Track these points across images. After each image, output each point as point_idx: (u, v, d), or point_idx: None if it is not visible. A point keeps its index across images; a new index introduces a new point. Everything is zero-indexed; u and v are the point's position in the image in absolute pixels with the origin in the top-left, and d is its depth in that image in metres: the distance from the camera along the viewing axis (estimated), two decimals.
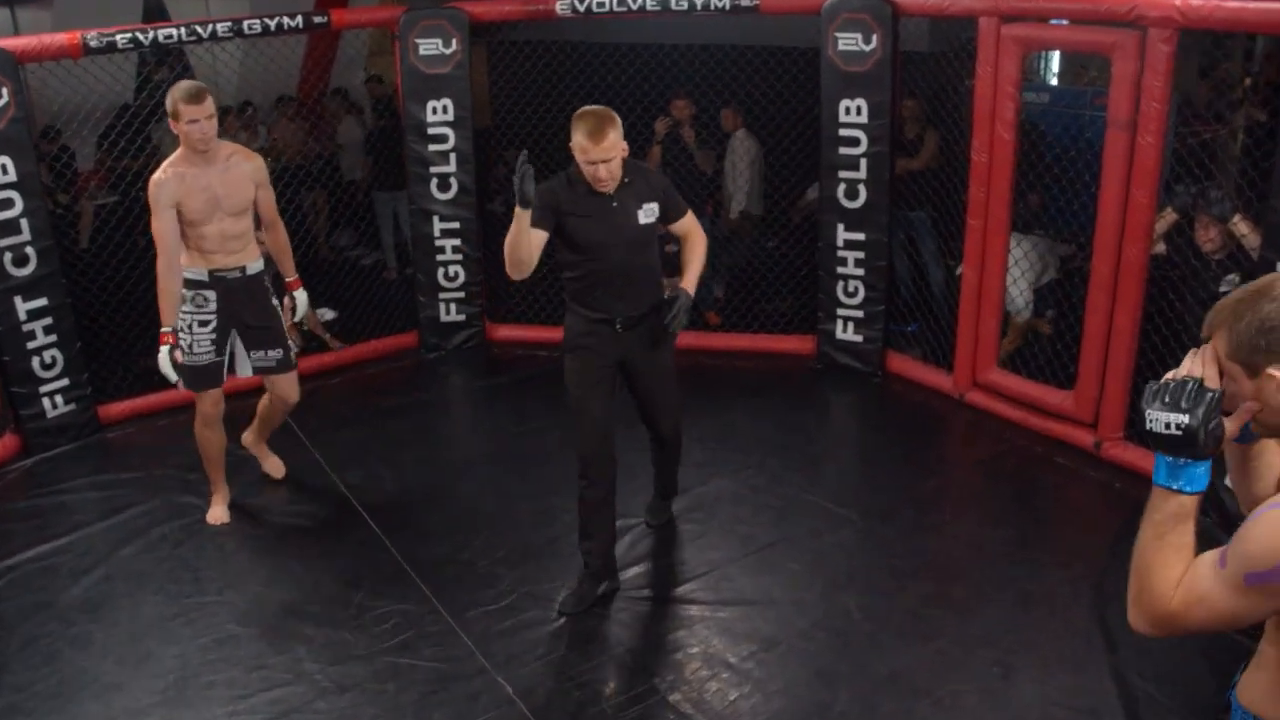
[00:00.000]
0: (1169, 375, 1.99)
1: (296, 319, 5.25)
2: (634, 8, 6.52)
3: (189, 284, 4.80)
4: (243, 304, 4.90)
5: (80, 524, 5.19)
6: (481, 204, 7.15)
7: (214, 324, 4.85)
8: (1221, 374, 1.94)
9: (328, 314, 7.43)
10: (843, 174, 6.31)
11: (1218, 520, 4.81)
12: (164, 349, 4.65)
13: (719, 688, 3.98)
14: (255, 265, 4.95)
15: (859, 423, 6.37)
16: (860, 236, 6.38)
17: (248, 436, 5.50)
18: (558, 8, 6.62)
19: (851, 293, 6.49)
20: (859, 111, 6.17)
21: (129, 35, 5.86)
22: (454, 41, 6.67)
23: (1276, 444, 2.07)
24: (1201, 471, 1.94)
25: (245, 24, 6.23)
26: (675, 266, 4.53)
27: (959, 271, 6.11)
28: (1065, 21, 5.57)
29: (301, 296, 5.21)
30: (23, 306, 5.68)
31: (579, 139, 4.07)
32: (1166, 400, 1.94)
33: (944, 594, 4.49)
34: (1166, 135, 5.05)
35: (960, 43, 6.03)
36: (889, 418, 6.20)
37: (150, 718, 3.88)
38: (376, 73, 10.40)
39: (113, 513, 5.28)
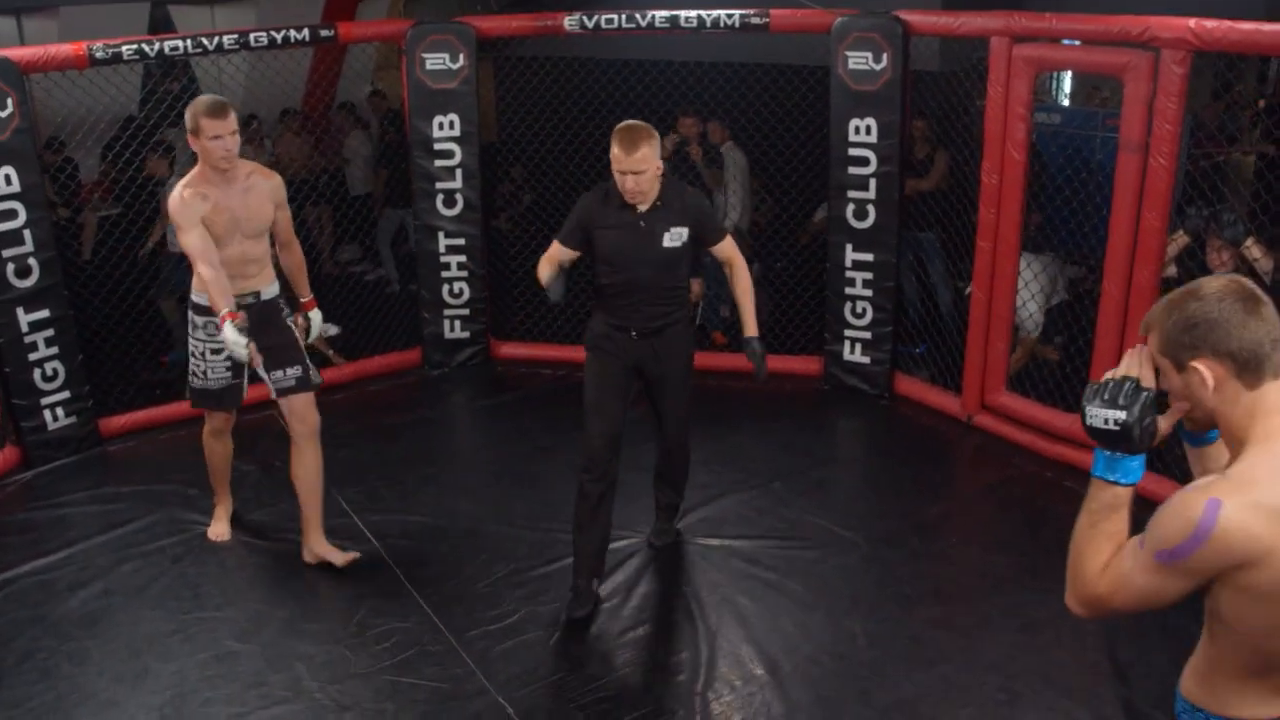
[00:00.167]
0: (1108, 374, 2.15)
1: (310, 340, 5.06)
2: (643, 25, 6.56)
3: (201, 310, 4.64)
4: (257, 330, 4.57)
5: (79, 538, 5.20)
6: (487, 220, 7.19)
7: (227, 351, 4.61)
8: (1157, 371, 2.11)
9: (331, 329, 7.44)
10: (851, 194, 6.34)
11: None
12: (228, 324, 4.26)
13: (722, 711, 3.98)
14: (270, 290, 4.77)
15: (866, 445, 6.37)
16: (869, 257, 6.40)
17: (314, 541, 4.91)
18: (566, 24, 6.66)
19: (859, 314, 6.51)
20: (868, 131, 6.21)
21: (134, 46, 5.91)
22: (461, 56, 6.71)
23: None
24: (1136, 465, 2.12)
25: (251, 36, 6.27)
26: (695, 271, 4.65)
27: (968, 291, 6.12)
28: (1078, 42, 5.60)
29: (316, 317, 5.08)
30: (25, 318, 5.71)
31: (614, 149, 4.22)
32: (1105, 398, 2.11)
33: (949, 620, 4.49)
34: (1179, 157, 5.07)
35: (971, 62, 6.06)
36: (896, 440, 6.21)
37: None
38: (378, 87, 10.46)
39: (112, 527, 5.29)
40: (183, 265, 7.46)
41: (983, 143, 5.85)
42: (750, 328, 4.58)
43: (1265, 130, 6.50)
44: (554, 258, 4.45)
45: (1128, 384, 2.11)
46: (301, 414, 4.79)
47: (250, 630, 4.47)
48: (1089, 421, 2.13)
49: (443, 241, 6.98)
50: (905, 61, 6.10)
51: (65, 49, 5.76)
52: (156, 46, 6.04)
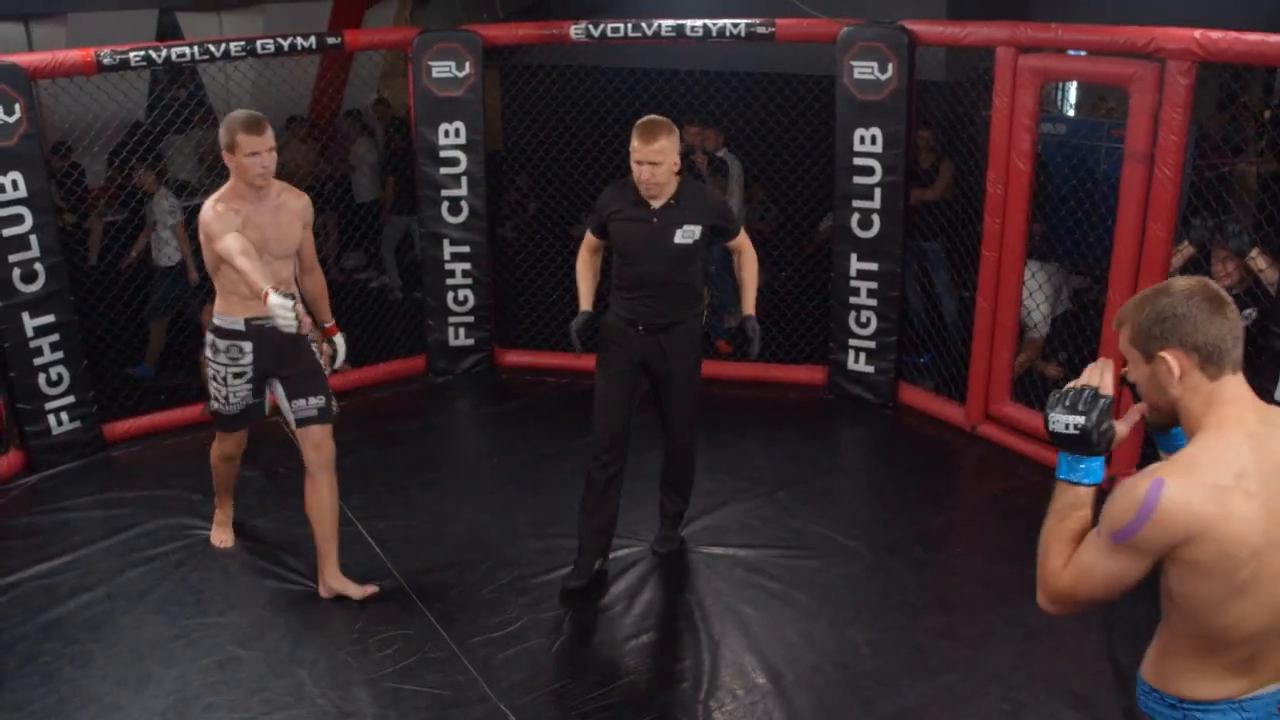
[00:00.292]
0: (1070, 384, 2.33)
1: (336, 367, 4.87)
2: (649, 34, 6.57)
3: (223, 333, 4.49)
4: (281, 353, 4.49)
5: (83, 543, 5.22)
6: (492, 228, 7.20)
7: (249, 375, 4.55)
8: (1123, 381, 2.34)
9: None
10: (856, 203, 6.35)
11: None
12: (272, 294, 3.91)
13: (722, 715, 3.99)
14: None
15: (870, 455, 6.37)
16: (873, 266, 6.41)
17: (330, 575, 4.75)
18: (572, 33, 6.67)
19: (864, 323, 6.51)
20: (874, 141, 6.21)
21: (142, 53, 5.94)
22: (467, 65, 6.73)
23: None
24: (1096, 466, 2.29)
25: (258, 43, 6.29)
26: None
27: (972, 295, 6.12)
28: (1083, 53, 5.61)
29: (341, 344, 4.86)
30: (30, 323, 5.73)
31: (633, 139, 4.36)
32: (1066, 405, 2.30)
33: (953, 629, 4.49)
34: (1184, 168, 5.07)
35: (977, 73, 6.07)
36: (900, 450, 6.21)
37: None
38: (383, 95, 10.49)
39: (116, 532, 5.30)
40: (179, 282, 7.50)
41: (988, 153, 5.86)
42: (749, 307, 4.69)
43: (1270, 141, 6.50)
44: (588, 246, 4.72)
45: (1086, 391, 2.30)
46: (318, 443, 4.62)
47: (253, 636, 4.48)
48: (1051, 427, 2.31)
49: (448, 249, 7.00)
50: (911, 71, 6.11)
51: (73, 55, 5.78)
52: (164, 53, 6.05)
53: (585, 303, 4.67)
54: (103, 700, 4.09)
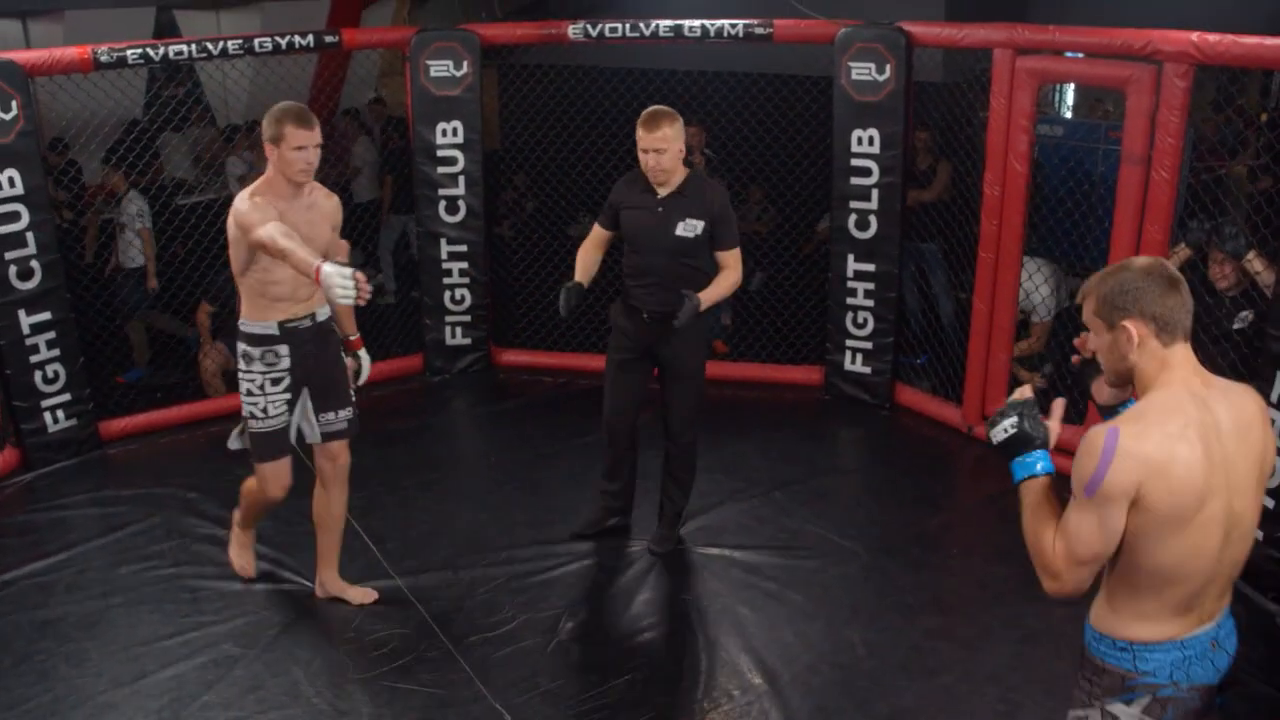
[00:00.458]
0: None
1: (360, 382, 4.64)
2: (647, 34, 6.57)
3: (256, 340, 4.23)
4: (315, 357, 4.33)
5: (79, 540, 5.21)
6: (489, 227, 7.19)
7: (287, 382, 4.28)
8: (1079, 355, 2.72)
9: None
10: (854, 204, 6.35)
11: None
12: (325, 265, 3.63)
13: (719, 715, 3.99)
14: (324, 311, 4.37)
15: (866, 455, 6.37)
16: (870, 267, 6.41)
17: (329, 578, 4.73)
18: (571, 33, 6.67)
19: (861, 324, 6.51)
20: (871, 142, 6.21)
21: (139, 51, 5.93)
22: (465, 64, 6.72)
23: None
24: (1042, 456, 2.57)
25: (256, 42, 6.28)
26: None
27: (969, 295, 6.12)
28: (1081, 55, 5.62)
29: (366, 359, 4.69)
30: (26, 320, 5.72)
31: (638, 128, 4.53)
32: (998, 419, 2.61)
33: (950, 630, 4.50)
34: (1181, 170, 5.07)
35: (974, 74, 6.08)
36: (897, 451, 6.21)
37: None
38: (380, 94, 10.48)
39: (112, 530, 5.30)
40: (141, 287, 7.47)
41: (985, 154, 5.86)
42: (704, 294, 4.58)
43: (1267, 144, 6.50)
44: (593, 238, 4.82)
45: (1011, 403, 2.62)
46: (335, 454, 4.52)
47: (249, 635, 4.47)
48: (994, 441, 2.63)
49: (445, 248, 6.99)
50: (908, 72, 6.11)
51: (70, 52, 5.77)
52: (161, 51, 6.04)
53: (578, 276, 4.74)
54: (98, 699, 4.09)
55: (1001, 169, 5.71)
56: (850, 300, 6.52)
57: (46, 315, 5.77)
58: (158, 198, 7.68)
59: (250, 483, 4.57)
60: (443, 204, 6.92)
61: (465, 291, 7.08)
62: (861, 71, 6.14)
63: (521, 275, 7.87)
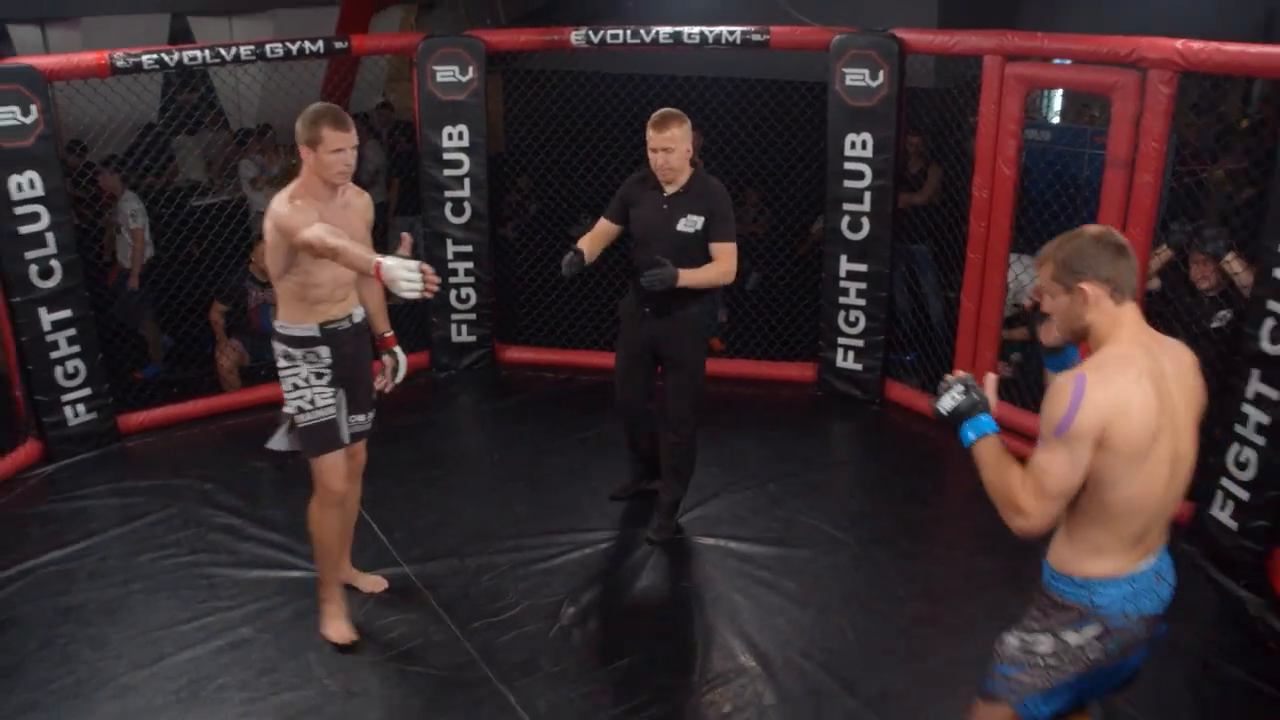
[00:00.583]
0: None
1: (398, 379, 4.54)
2: (647, 40, 6.61)
3: (298, 342, 4.08)
4: (353, 357, 4.23)
5: (99, 529, 5.28)
6: (494, 228, 7.24)
7: (330, 378, 4.13)
8: (1035, 314, 2.91)
9: None
10: (847, 207, 6.40)
11: (1203, 550, 4.88)
12: (387, 259, 3.53)
13: (714, 701, 4.06)
14: (359, 312, 4.29)
15: (857, 449, 6.42)
16: (862, 268, 6.46)
17: (343, 569, 4.67)
18: (573, 39, 6.71)
19: (852, 322, 6.57)
20: (864, 146, 6.26)
21: (155, 56, 5.98)
22: (471, 69, 6.77)
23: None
24: (988, 419, 2.79)
25: (267, 47, 6.32)
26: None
27: (957, 295, 6.17)
28: (1068, 61, 5.66)
29: (402, 356, 4.56)
30: (47, 317, 5.78)
31: (648, 129, 4.67)
32: (945, 391, 2.86)
33: (936, 618, 4.56)
34: (1164, 174, 5.12)
35: (965, 80, 6.11)
36: (887, 445, 6.27)
37: (164, 717, 3.96)
38: (387, 99, 10.53)
39: (130, 519, 5.36)
40: (143, 285, 7.50)
41: (974, 158, 5.92)
42: (684, 271, 4.67)
43: (1248, 150, 6.57)
44: (596, 231, 4.91)
45: (952, 379, 2.87)
46: (355, 451, 4.43)
47: (263, 620, 4.54)
48: (944, 409, 2.86)
49: (451, 248, 7.05)
50: (901, 78, 6.15)
51: (88, 58, 5.82)
52: (176, 56, 6.08)
53: (582, 245, 4.81)
54: (118, 681, 4.16)
55: (990, 173, 5.76)
56: (843, 299, 6.58)
57: (67, 313, 5.84)
58: (173, 199, 7.74)
59: (313, 512, 4.30)
60: (449, 205, 6.98)
61: (470, 290, 7.14)
62: (855, 77, 6.19)
63: (525, 275, 7.92)
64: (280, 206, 3.92)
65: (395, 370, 4.52)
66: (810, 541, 5.14)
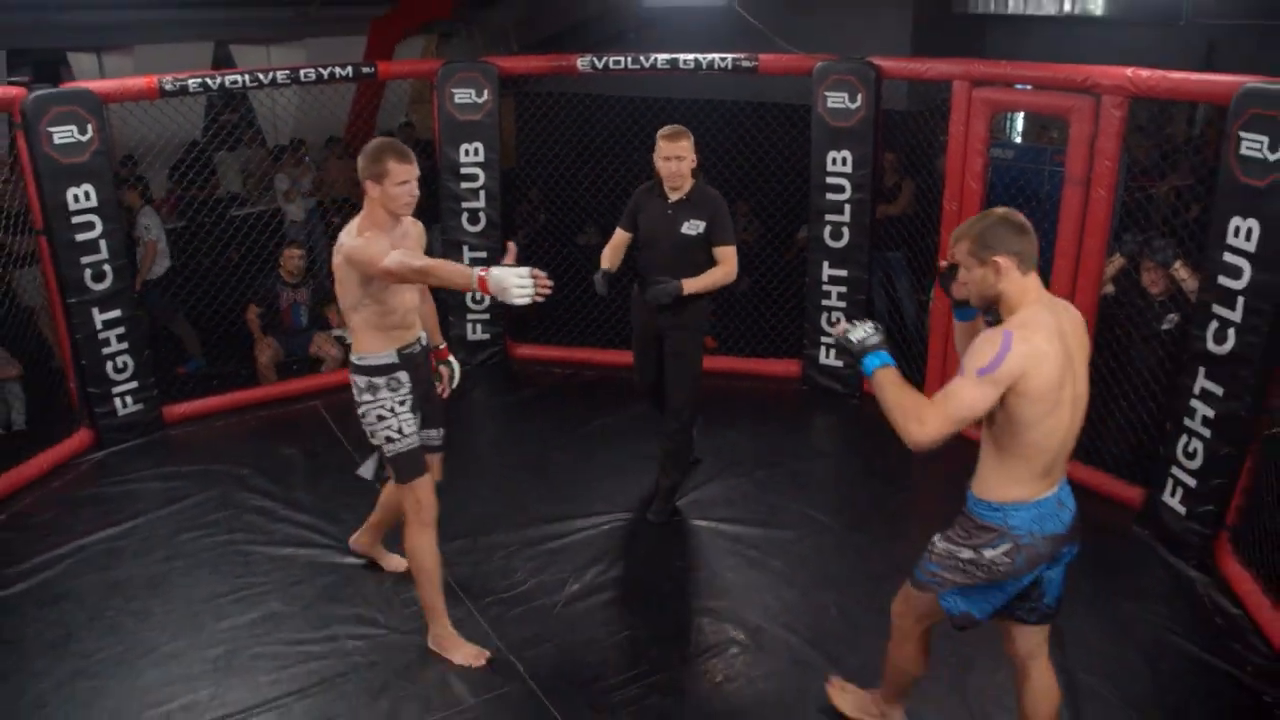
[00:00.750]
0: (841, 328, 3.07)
1: (454, 386, 4.31)
2: (646, 66, 6.57)
3: (379, 370, 3.85)
4: (425, 379, 4.04)
5: (144, 510, 5.22)
6: (506, 236, 7.15)
7: (411, 402, 3.92)
8: (943, 281, 3.06)
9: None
10: (829, 217, 6.34)
11: (1155, 533, 4.83)
12: (494, 269, 3.38)
13: (706, 671, 4.01)
14: (423, 334, 4.07)
15: (839, 440, 6.37)
16: (843, 273, 6.41)
17: (371, 541, 4.69)
18: (579, 65, 6.66)
19: (834, 322, 6.48)
20: (844, 162, 6.21)
21: (199, 80, 5.94)
22: (485, 92, 6.72)
23: (983, 320, 3.07)
24: (886, 353, 2.97)
25: (301, 72, 6.29)
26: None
27: (929, 298, 6.13)
28: (1029, 87, 5.61)
29: (456, 366, 4.32)
30: (99, 317, 5.73)
31: (659, 140, 4.77)
32: (856, 326, 3.03)
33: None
34: (1117, 190, 5.08)
35: (936, 103, 6.07)
36: (866, 436, 6.20)
37: (203, 683, 3.91)
38: (409, 120, 10.47)
39: (173, 501, 5.31)
40: (166, 292, 7.41)
41: (945, 174, 5.86)
42: (689, 281, 4.75)
43: (1191, 166, 6.50)
44: (614, 243, 4.99)
45: (858, 321, 3.05)
46: (431, 464, 4.12)
47: (293, 594, 4.49)
48: (854, 339, 3.01)
49: (467, 255, 6.98)
50: (877, 101, 6.11)
51: (139, 82, 5.79)
52: (218, 80, 6.05)
53: (605, 264, 4.92)
54: (162, 649, 4.12)
55: (959, 187, 5.71)
56: (825, 302, 6.52)
57: (117, 313, 5.78)
58: (214, 209, 7.68)
59: (412, 539, 4.00)
60: (465, 215, 6.92)
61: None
62: (836, 100, 6.14)
63: None
64: (352, 241, 3.70)
65: (452, 378, 4.30)
66: (796, 525, 5.08)
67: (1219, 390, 4.45)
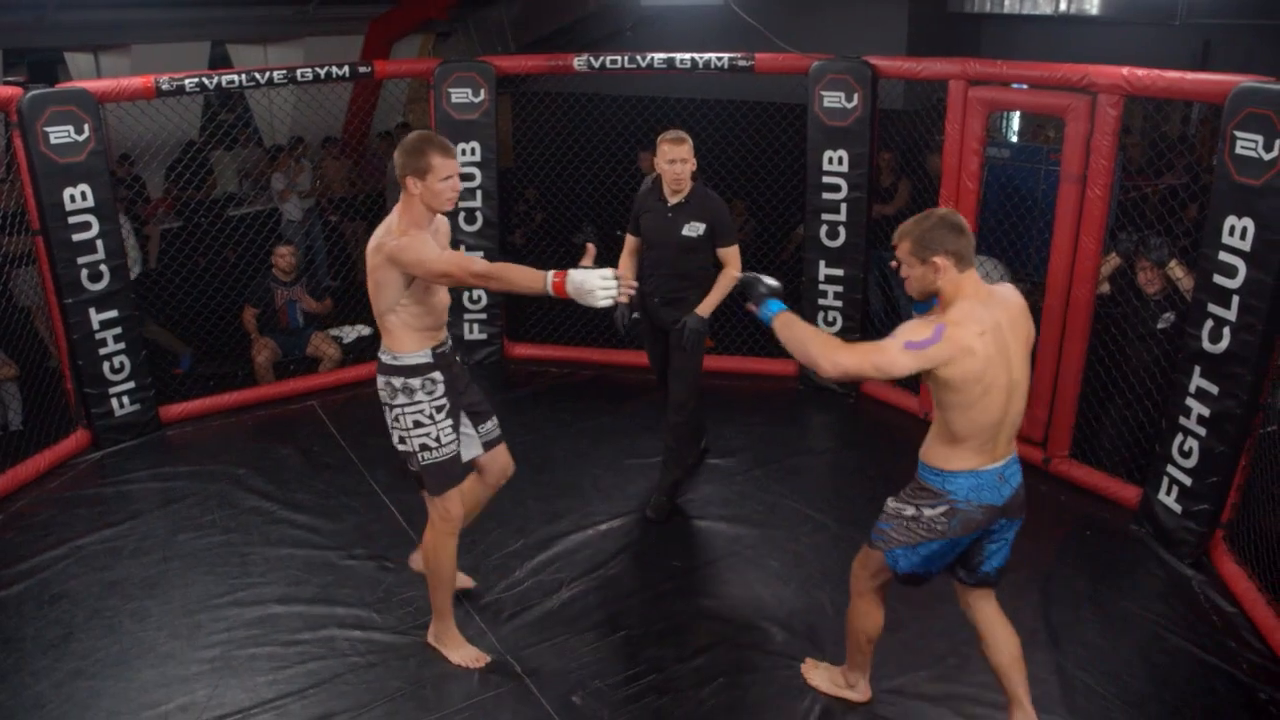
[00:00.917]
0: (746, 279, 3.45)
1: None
2: (643, 65, 6.56)
3: (413, 371, 3.71)
4: (460, 377, 3.93)
5: (141, 511, 5.21)
6: (504, 236, 7.19)
7: (448, 408, 3.79)
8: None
9: (364, 331, 7.45)
10: (825, 217, 6.34)
11: (1151, 532, 4.83)
12: (575, 272, 3.34)
13: (704, 668, 4.00)
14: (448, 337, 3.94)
15: (835, 438, 6.36)
16: (839, 272, 6.41)
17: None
18: (576, 64, 6.65)
19: (830, 322, 6.51)
20: (840, 162, 6.21)
21: (196, 80, 5.92)
22: (482, 91, 6.71)
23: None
24: (779, 300, 3.33)
25: (298, 72, 6.27)
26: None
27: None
28: (1025, 86, 5.61)
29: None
30: (96, 317, 5.71)
31: (661, 144, 4.83)
32: (759, 277, 3.41)
33: (907, 593, 4.43)
34: (1112, 189, 5.08)
35: (932, 103, 6.07)
36: (862, 435, 6.21)
37: (200, 684, 3.90)
38: (406, 120, 10.47)
39: (170, 502, 5.30)
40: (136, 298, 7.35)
41: (940, 173, 5.86)
42: (703, 308, 4.93)
43: (1187, 165, 6.50)
44: (627, 248, 5.15)
45: (752, 277, 3.43)
46: (505, 465, 4.18)
47: (290, 594, 4.48)
48: (766, 288, 3.35)
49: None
50: (874, 101, 6.10)
51: (136, 82, 5.76)
52: (215, 80, 6.04)
53: (623, 270, 4.78)
54: (159, 649, 4.11)
55: (955, 186, 5.71)
56: (821, 301, 6.52)
57: (114, 313, 5.77)
58: (211, 209, 7.66)
59: (432, 543, 3.94)
60: (462, 215, 6.91)
61: (481, 292, 7.07)
62: (832, 99, 6.13)
63: None
64: (394, 240, 3.55)
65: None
66: (792, 523, 5.08)
67: (1214, 389, 4.45)
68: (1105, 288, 5.45)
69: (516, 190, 9.41)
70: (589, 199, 7.92)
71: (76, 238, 5.56)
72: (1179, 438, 4.64)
